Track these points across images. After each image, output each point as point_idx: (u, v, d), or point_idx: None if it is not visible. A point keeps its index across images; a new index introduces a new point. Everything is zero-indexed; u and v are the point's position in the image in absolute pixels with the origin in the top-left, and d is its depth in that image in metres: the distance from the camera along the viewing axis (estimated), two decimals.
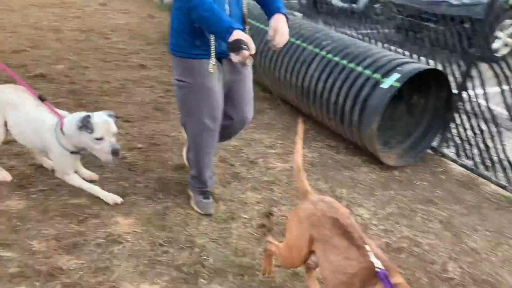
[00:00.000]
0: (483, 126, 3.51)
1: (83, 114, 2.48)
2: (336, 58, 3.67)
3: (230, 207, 2.84)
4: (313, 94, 3.78)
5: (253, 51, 2.06)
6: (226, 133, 2.76)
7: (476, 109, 3.53)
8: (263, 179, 3.18)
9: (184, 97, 2.44)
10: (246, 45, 2.03)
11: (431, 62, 3.89)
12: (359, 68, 3.49)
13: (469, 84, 3.54)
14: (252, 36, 2.15)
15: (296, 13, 6.11)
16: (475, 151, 3.61)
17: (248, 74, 2.59)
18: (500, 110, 3.58)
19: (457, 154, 3.75)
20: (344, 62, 3.60)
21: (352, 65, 3.55)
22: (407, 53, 4.25)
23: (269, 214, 2.81)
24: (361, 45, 3.78)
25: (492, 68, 3.38)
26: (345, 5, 7.49)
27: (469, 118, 3.59)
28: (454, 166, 3.71)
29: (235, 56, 2.08)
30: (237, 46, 2.03)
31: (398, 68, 3.32)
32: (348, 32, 5.18)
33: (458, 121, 3.67)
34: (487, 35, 3.68)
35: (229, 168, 3.28)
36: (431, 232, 2.85)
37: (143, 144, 3.44)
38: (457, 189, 3.40)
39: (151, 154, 3.33)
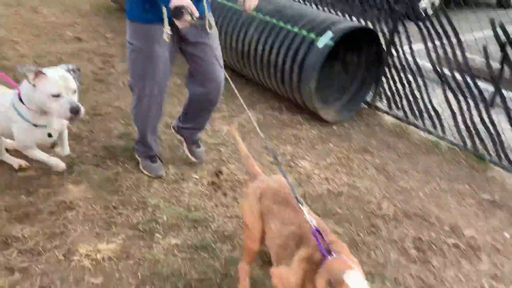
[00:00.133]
0: (411, 79, 3.80)
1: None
2: (274, 20, 3.78)
3: (180, 169, 2.94)
4: (253, 57, 3.88)
5: (196, 15, 2.07)
6: (206, 101, 2.72)
7: (404, 63, 3.81)
8: (211, 141, 3.29)
9: (133, 60, 2.47)
10: (187, 10, 2.04)
11: (362, 21, 4.11)
12: (295, 29, 3.63)
13: (397, 41, 3.80)
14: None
15: None
16: (405, 102, 3.91)
17: (212, 38, 2.55)
18: (425, 63, 3.87)
19: (389, 106, 4.04)
20: (281, 23, 3.72)
21: (288, 26, 3.68)
22: (339, 13, 4.43)
23: (218, 173, 2.94)
24: (297, 6, 3.90)
25: (417, 25, 3.63)
26: None
27: (398, 72, 3.86)
28: (387, 117, 4.00)
29: (179, 22, 2.11)
30: (178, 11, 2.05)
31: (331, 27, 3.50)
32: None
33: (388, 75, 3.94)
34: None
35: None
36: (367, 177, 3.11)
37: (86, 114, 3.41)
38: (390, 138, 3.70)
39: (95, 124, 3.33)
